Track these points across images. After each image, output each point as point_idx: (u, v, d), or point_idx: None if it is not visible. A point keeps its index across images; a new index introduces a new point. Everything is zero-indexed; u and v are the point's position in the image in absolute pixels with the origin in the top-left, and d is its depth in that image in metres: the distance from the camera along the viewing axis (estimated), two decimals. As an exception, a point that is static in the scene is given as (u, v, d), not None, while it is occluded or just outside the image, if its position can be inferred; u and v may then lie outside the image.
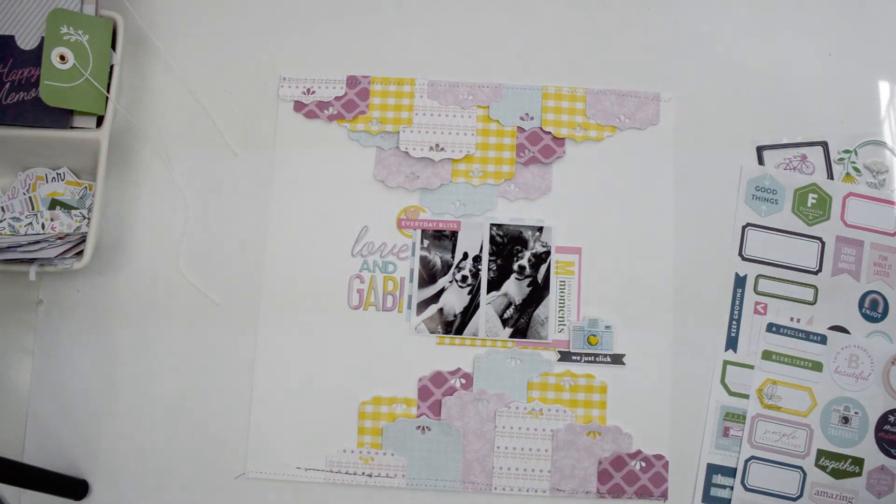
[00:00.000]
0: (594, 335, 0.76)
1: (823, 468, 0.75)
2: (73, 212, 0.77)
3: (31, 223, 0.76)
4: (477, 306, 0.76)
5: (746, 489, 0.74)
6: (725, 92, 0.80)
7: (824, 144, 0.79)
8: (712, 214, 0.78)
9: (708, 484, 0.75)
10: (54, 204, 0.77)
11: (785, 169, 0.78)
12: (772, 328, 0.76)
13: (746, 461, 0.75)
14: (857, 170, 0.78)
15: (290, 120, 0.79)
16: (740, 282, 0.77)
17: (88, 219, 0.76)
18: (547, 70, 0.80)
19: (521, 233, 0.77)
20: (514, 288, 0.77)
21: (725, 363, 0.76)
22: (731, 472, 0.75)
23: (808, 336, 0.76)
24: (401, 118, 0.79)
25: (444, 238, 0.77)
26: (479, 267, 0.77)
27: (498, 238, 0.77)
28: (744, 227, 0.78)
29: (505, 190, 0.78)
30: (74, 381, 0.76)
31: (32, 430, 0.76)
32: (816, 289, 0.77)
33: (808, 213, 0.78)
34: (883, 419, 0.75)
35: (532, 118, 0.79)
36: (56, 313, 0.77)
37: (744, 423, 0.75)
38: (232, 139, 0.79)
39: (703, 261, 0.77)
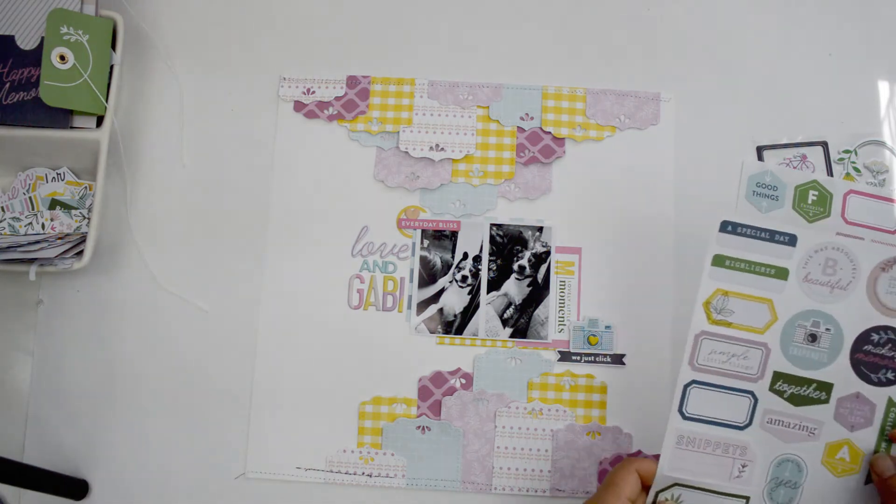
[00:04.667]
0: (594, 335, 0.76)
1: (780, 393, 0.63)
2: (73, 212, 0.77)
3: (30, 223, 0.76)
4: (477, 306, 0.76)
5: (685, 417, 0.63)
6: (725, 92, 0.80)
7: (824, 144, 0.78)
8: (713, 213, 0.78)
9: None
10: (54, 204, 0.77)
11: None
12: (727, 227, 0.63)
13: (686, 386, 0.63)
14: (857, 170, 0.78)
15: (289, 120, 0.79)
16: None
17: (88, 219, 0.76)
18: (547, 70, 0.80)
19: (521, 233, 0.77)
20: (514, 288, 0.77)
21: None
22: None
23: (772, 236, 0.63)
24: (401, 118, 0.79)
25: (444, 238, 0.77)
26: (479, 267, 0.77)
27: (498, 238, 0.77)
28: None
29: (505, 190, 0.78)
30: (74, 381, 0.76)
31: (32, 429, 0.76)
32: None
33: (808, 209, 0.77)
34: (863, 338, 0.62)
35: (532, 118, 0.79)
36: (56, 313, 0.77)
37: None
38: (232, 139, 0.79)
39: (704, 260, 0.77)
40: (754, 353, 0.63)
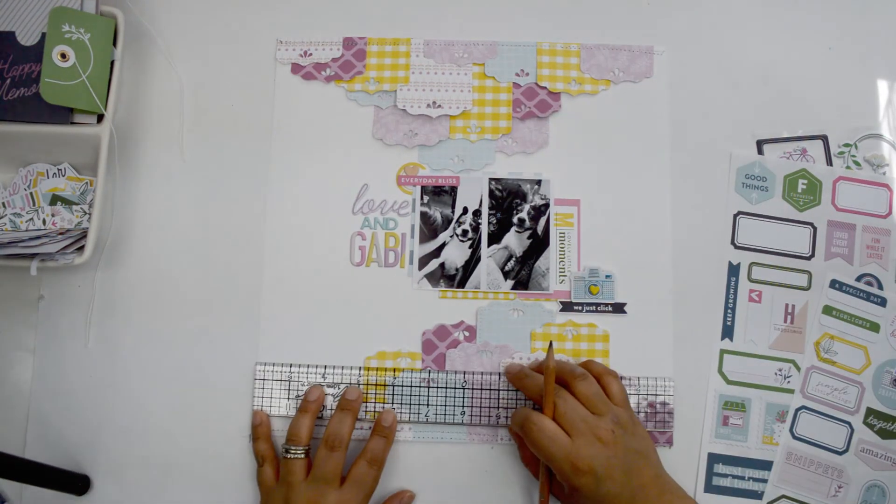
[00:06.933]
0: (595, 285, 0.76)
1: (871, 427, 0.74)
2: (74, 207, 0.77)
3: (31, 219, 0.77)
4: (478, 260, 0.77)
5: (794, 437, 0.74)
6: (725, 86, 0.80)
7: (824, 138, 0.79)
8: (706, 205, 0.78)
9: (710, 474, 0.74)
10: (55, 199, 0.78)
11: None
12: (835, 284, 0.76)
13: (797, 410, 0.75)
14: (857, 163, 0.78)
15: (287, 82, 0.80)
16: (734, 270, 0.77)
17: (89, 214, 0.76)
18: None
19: (520, 186, 0.78)
20: (515, 241, 0.77)
21: (722, 352, 0.76)
22: (732, 462, 0.74)
23: (868, 297, 0.76)
24: (397, 77, 0.79)
25: (443, 193, 0.78)
26: (479, 221, 0.77)
27: (497, 192, 0.78)
28: (735, 216, 0.78)
29: (503, 145, 0.79)
30: (75, 376, 0.76)
31: (33, 424, 0.75)
32: (810, 274, 0.77)
33: (798, 198, 0.78)
34: None
35: (527, 74, 0.79)
36: (57, 308, 0.77)
37: (744, 412, 0.75)
38: (232, 125, 0.79)
39: (699, 253, 0.77)
40: (852, 390, 0.75)
